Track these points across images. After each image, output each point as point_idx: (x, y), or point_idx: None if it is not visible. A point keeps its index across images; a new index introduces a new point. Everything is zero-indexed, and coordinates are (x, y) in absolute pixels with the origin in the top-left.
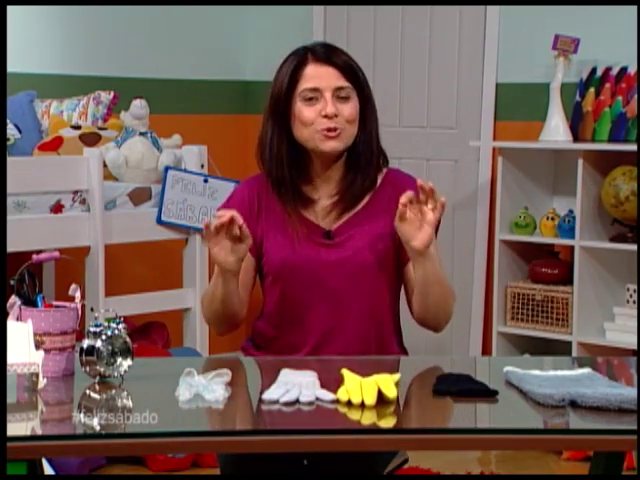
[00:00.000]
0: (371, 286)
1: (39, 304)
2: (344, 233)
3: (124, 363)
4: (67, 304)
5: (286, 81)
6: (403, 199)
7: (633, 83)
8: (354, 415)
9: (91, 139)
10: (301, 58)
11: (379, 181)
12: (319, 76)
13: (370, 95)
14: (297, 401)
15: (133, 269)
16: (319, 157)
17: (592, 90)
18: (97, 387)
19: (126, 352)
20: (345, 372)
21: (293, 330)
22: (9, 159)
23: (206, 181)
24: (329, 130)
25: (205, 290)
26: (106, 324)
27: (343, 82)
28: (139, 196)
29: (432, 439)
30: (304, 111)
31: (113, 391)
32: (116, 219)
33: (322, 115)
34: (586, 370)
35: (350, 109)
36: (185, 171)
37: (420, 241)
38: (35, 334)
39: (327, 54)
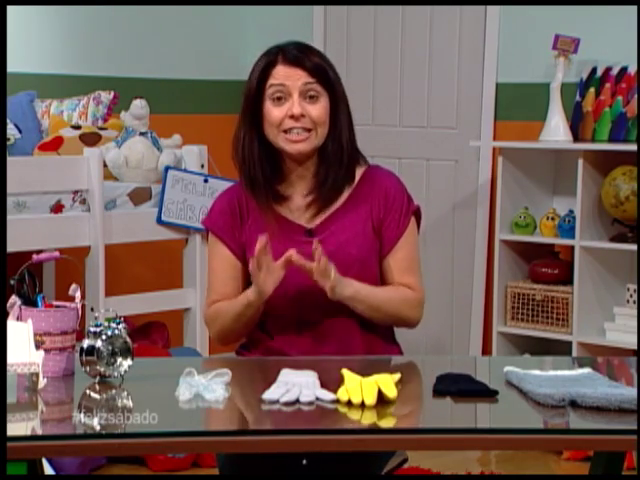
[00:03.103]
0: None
1: (39, 304)
2: (325, 230)
3: (124, 363)
4: (67, 304)
5: (255, 80)
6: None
7: (633, 83)
8: (354, 415)
9: (91, 139)
10: (272, 58)
11: (358, 177)
12: (287, 76)
13: (342, 94)
14: (297, 401)
15: (133, 269)
16: (289, 156)
17: (592, 90)
18: (97, 387)
19: (126, 352)
20: (345, 372)
21: (282, 331)
22: (9, 159)
23: (206, 181)
24: (290, 132)
25: (216, 310)
26: (106, 324)
27: (310, 79)
28: (139, 196)
29: (432, 439)
30: (272, 111)
31: (113, 391)
32: (116, 219)
33: (289, 115)
34: (586, 370)
35: (318, 110)
36: (185, 171)
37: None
38: (35, 334)
39: (297, 56)
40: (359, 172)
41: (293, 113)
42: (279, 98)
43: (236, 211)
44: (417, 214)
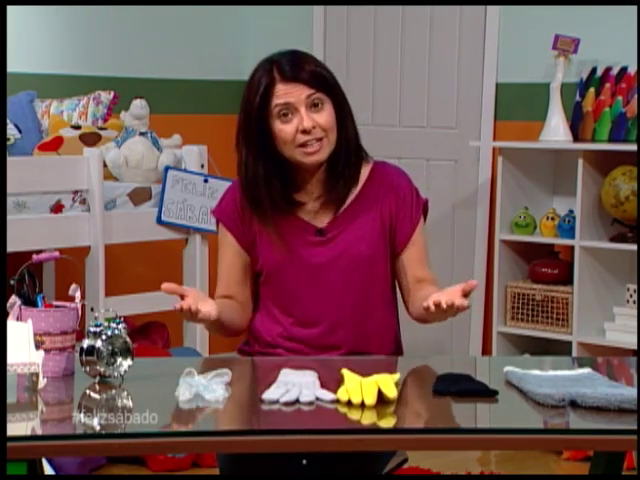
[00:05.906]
0: (365, 279)
1: (39, 304)
2: (335, 229)
3: (124, 363)
4: (67, 304)
5: (256, 100)
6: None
7: (633, 83)
8: (354, 415)
9: (91, 139)
10: (269, 77)
11: (366, 175)
12: (288, 93)
13: (343, 97)
14: (297, 401)
15: (133, 269)
16: (305, 167)
17: (592, 90)
18: (97, 387)
19: (126, 352)
20: (345, 372)
21: (291, 328)
22: (9, 159)
23: (206, 181)
24: (306, 145)
25: None
26: (106, 324)
27: (311, 91)
28: (139, 196)
29: (432, 439)
30: (283, 129)
31: (113, 391)
32: (116, 219)
33: (300, 130)
34: (586, 370)
35: (325, 117)
36: (185, 171)
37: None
38: (35, 334)
39: (293, 70)
40: (366, 169)
41: (305, 128)
42: (285, 114)
43: (245, 204)
44: (425, 207)
